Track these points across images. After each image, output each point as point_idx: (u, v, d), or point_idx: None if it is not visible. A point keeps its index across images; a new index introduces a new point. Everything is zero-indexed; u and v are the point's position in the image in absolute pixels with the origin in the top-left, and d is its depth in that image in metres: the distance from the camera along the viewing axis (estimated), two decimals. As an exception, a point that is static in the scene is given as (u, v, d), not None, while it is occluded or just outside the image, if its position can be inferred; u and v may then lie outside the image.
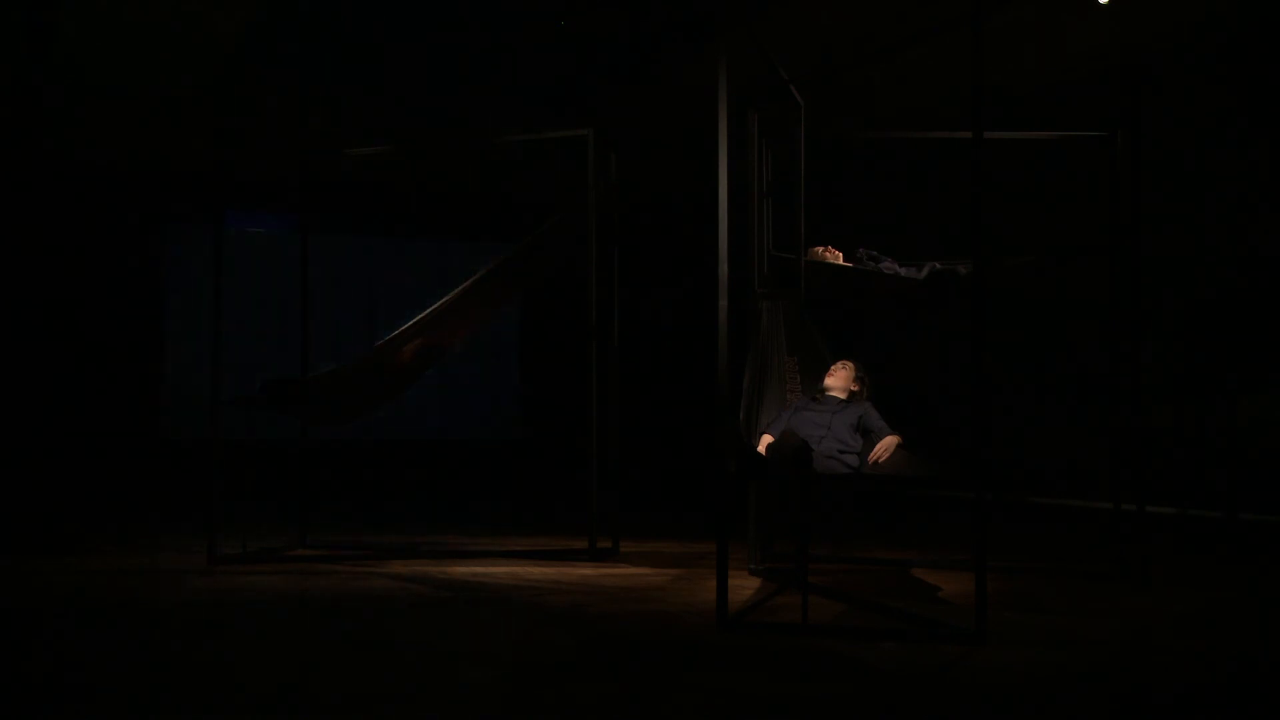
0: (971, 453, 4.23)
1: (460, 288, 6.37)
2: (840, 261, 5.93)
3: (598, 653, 3.97)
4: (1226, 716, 3.23)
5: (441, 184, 10.94)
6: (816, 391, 5.52)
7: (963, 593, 4.96)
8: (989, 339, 4.34)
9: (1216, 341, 7.29)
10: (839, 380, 5.48)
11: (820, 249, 5.92)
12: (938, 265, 5.87)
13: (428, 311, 6.35)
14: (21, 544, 7.01)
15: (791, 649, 3.94)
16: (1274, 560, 6.35)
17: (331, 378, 6.57)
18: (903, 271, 5.93)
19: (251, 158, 9.38)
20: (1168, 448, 7.43)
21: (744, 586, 5.23)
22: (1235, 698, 3.40)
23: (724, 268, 4.31)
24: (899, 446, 5.14)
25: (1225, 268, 7.28)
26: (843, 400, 5.41)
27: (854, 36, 7.43)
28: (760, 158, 5.83)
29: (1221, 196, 7.31)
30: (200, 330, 8.62)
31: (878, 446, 5.16)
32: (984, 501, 4.10)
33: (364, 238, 11.02)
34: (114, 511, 8.92)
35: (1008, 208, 8.17)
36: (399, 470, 10.58)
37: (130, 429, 10.00)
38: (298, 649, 4.03)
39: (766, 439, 5.15)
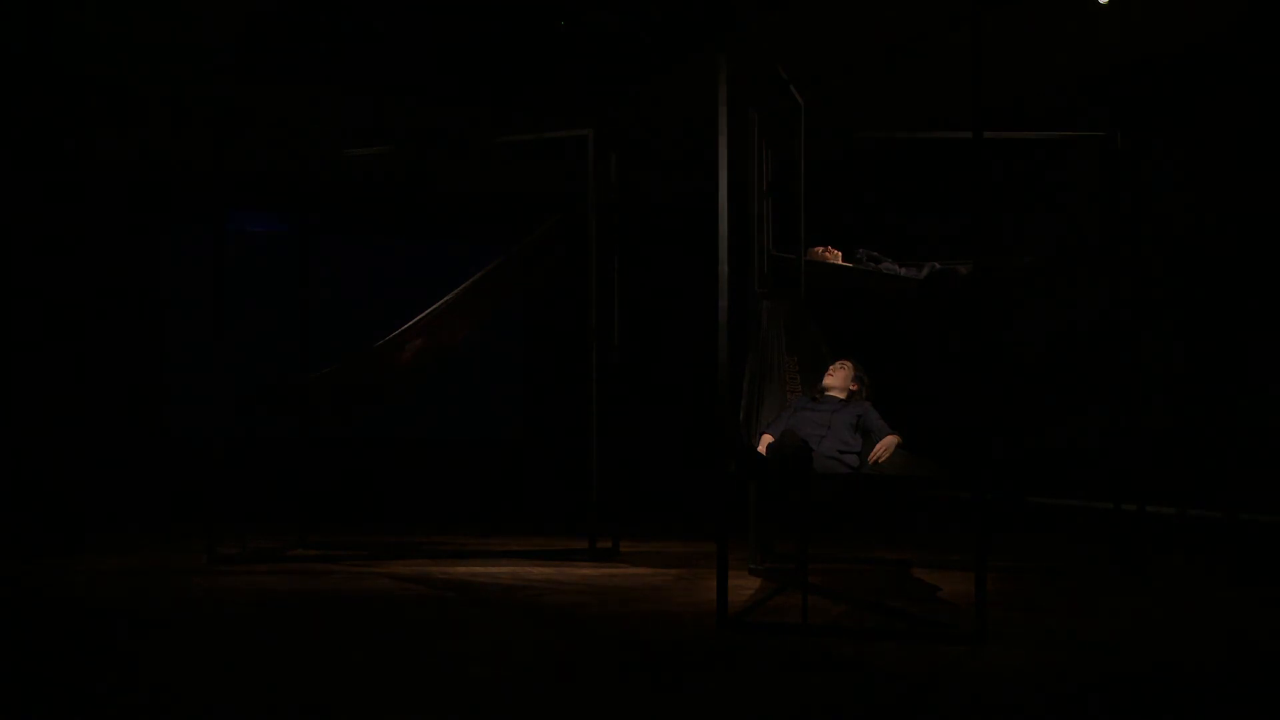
0: (971, 453, 4.23)
1: (460, 287, 6.38)
2: (840, 261, 5.93)
3: (598, 653, 3.97)
4: (1227, 716, 3.23)
5: (441, 184, 10.94)
6: (815, 391, 5.53)
7: (963, 593, 4.96)
8: (988, 339, 4.34)
9: (1217, 341, 7.29)
10: (838, 380, 5.48)
11: (820, 249, 5.92)
12: (937, 265, 5.87)
13: (428, 311, 6.35)
14: (22, 543, 7.01)
15: (791, 649, 3.94)
16: (1274, 560, 6.36)
17: (331, 377, 6.57)
18: (903, 271, 5.92)
19: (251, 158, 9.38)
20: (1168, 448, 7.43)
21: (744, 586, 5.23)
22: (1235, 697, 3.40)
23: (724, 268, 4.31)
24: (899, 447, 5.14)
25: (1225, 267, 7.27)
26: (842, 400, 5.42)
27: (854, 37, 7.43)
28: (760, 158, 5.83)
29: (1221, 196, 7.31)
30: (201, 330, 8.62)
31: (878, 446, 5.16)
32: (984, 501, 4.10)
33: (364, 238, 11.02)
34: (114, 511, 8.92)
35: (1008, 208, 8.17)
36: (399, 470, 10.58)
37: (130, 429, 10.00)
38: (298, 649, 4.03)
39: (766, 439, 5.15)
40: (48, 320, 9.76)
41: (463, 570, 5.91)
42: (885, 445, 5.15)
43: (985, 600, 4.02)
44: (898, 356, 9.11)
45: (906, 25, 7.20)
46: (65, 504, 9.12)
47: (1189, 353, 7.42)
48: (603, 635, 4.24)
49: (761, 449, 5.07)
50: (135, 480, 9.68)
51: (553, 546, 6.78)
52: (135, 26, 7.27)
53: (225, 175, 6.46)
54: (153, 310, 10.30)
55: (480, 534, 7.70)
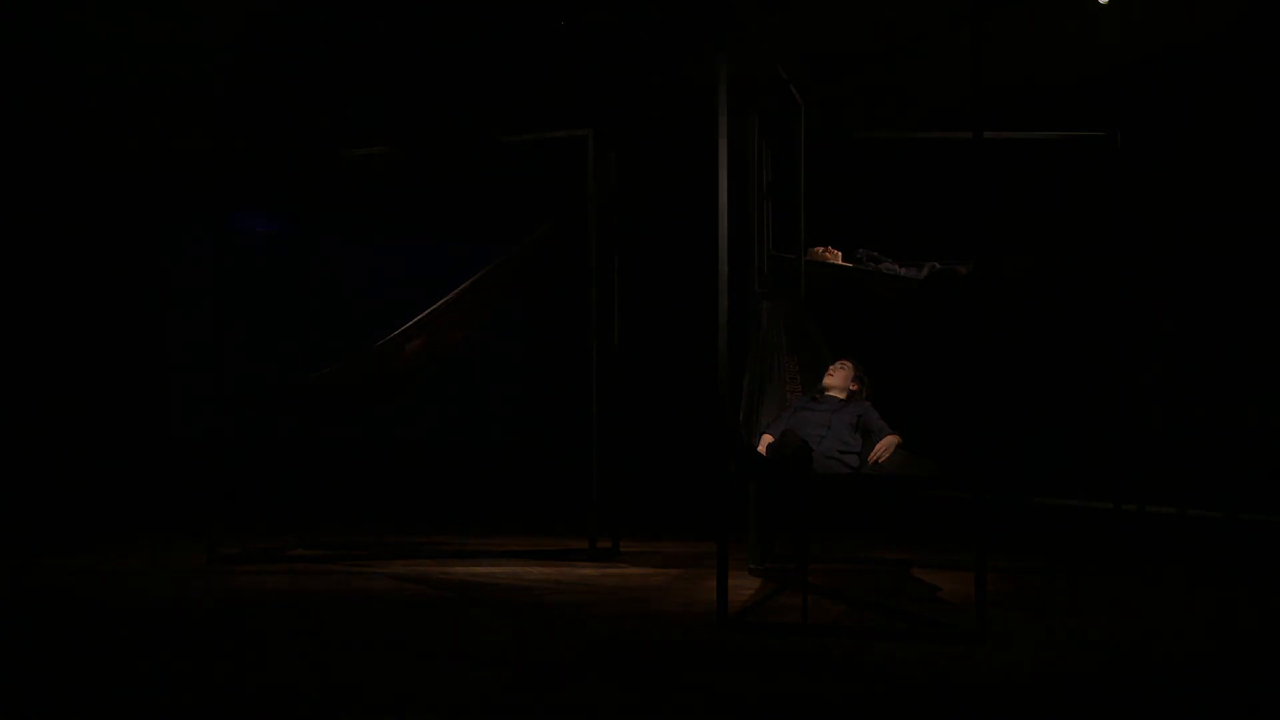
0: (972, 453, 4.23)
1: (460, 287, 6.37)
2: (840, 261, 5.94)
3: (598, 653, 3.97)
4: (1227, 716, 3.23)
5: (441, 184, 10.94)
6: (815, 391, 5.53)
7: (963, 593, 4.96)
8: (988, 339, 4.34)
9: (1215, 341, 7.29)
10: (838, 380, 5.49)
11: (820, 249, 5.92)
12: (938, 265, 5.87)
13: (428, 311, 6.35)
14: (23, 543, 7.00)
15: (791, 649, 3.94)
16: (1274, 560, 6.36)
17: (331, 377, 6.57)
18: (903, 271, 5.93)
19: (251, 158, 9.38)
20: (1168, 448, 7.43)
21: (744, 586, 5.23)
22: (1235, 697, 3.40)
23: (724, 268, 4.31)
24: (899, 446, 5.14)
25: (1224, 267, 7.27)
26: (842, 400, 5.42)
27: (854, 36, 7.43)
28: (760, 158, 5.83)
29: (1221, 196, 7.31)
30: (201, 330, 8.63)
31: (878, 446, 5.16)
32: (984, 501, 4.10)
33: (364, 238, 11.03)
34: (114, 510, 8.92)
35: (1008, 208, 8.17)
36: (399, 470, 10.58)
37: (131, 429, 10.00)
38: (298, 649, 4.03)
39: (766, 439, 5.15)
40: (48, 320, 9.76)
41: (463, 570, 5.91)
42: (885, 445, 5.15)
43: (985, 600, 4.03)
44: (898, 356, 9.11)
45: (906, 25, 7.20)
46: (66, 503, 9.12)
47: (1189, 353, 7.42)
48: (603, 635, 4.24)
49: (761, 449, 5.07)
50: (136, 480, 9.69)
51: (553, 546, 6.78)
52: (135, 26, 7.27)
53: (225, 175, 6.46)
54: (153, 310, 10.31)
55: (480, 534, 7.69)
